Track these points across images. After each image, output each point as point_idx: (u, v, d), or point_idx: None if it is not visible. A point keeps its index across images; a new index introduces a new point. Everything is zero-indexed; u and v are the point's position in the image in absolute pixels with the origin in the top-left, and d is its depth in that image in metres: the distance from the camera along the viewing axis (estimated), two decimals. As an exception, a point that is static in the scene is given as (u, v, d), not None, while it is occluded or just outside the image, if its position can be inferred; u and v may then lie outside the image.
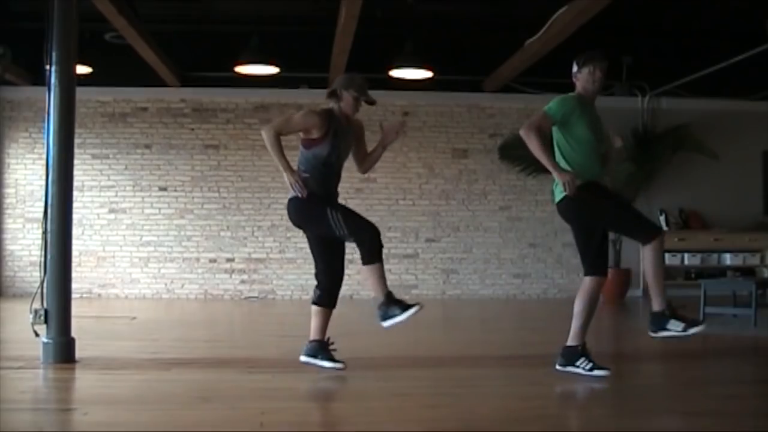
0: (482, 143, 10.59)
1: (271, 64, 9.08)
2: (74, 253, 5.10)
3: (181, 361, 5.00)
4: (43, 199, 4.89)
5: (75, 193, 5.18)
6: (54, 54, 4.87)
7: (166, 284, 10.19)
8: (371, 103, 4.68)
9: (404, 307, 4.37)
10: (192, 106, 10.34)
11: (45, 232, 4.87)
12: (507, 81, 10.08)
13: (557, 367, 4.44)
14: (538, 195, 10.43)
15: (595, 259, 4.47)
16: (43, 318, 4.78)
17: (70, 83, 4.95)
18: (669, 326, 4.38)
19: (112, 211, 10.20)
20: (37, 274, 5.06)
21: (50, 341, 4.75)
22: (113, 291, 10.12)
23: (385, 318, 4.40)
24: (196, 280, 10.23)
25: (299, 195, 4.43)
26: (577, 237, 4.55)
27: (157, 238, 10.22)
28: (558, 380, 4.34)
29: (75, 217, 5.25)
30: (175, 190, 10.27)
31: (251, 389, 4.19)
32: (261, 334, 6.91)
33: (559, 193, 4.43)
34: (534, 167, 10.11)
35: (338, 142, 4.54)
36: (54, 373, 4.56)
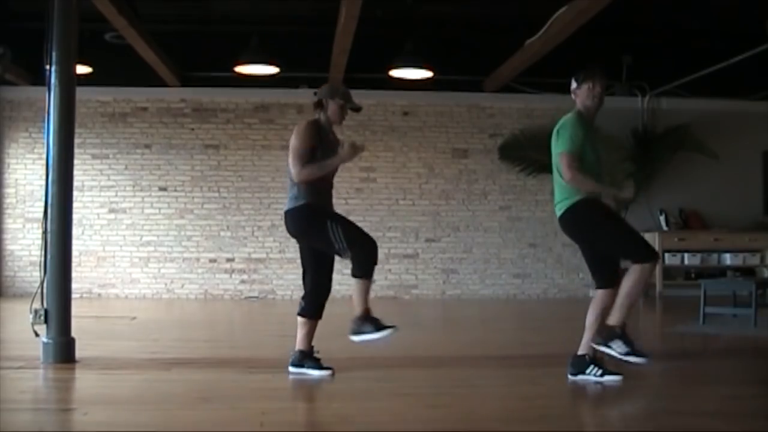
0: (482, 143, 10.59)
1: (271, 64, 9.07)
2: (74, 253, 5.10)
3: (181, 361, 5.00)
4: (43, 199, 4.89)
5: (75, 193, 5.18)
6: (54, 54, 4.87)
7: (166, 284, 10.20)
8: (357, 109, 4.65)
9: (379, 326, 4.40)
10: (192, 106, 10.35)
11: (45, 232, 4.87)
12: (507, 81, 10.08)
13: (569, 376, 4.38)
14: (538, 195, 10.43)
15: (605, 273, 4.43)
16: (43, 318, 4.78)
17: (70, 83, 4.95)
18: (613, 345, 4.31)
19: (112, 211, 10.20)
20: (37, 274, 5.06)
21: (50, 341, 4.75)
22: (113, 291, 10.12)
23: (357, 333, 4.42)
24: (196, 280, 10.23)
25: (360, 149, 4.47)
26: (583, 251, 4.53)
27: (157, 238, 10.22)
28: (558, 380, 4.34)
29: (75, 217, 5.25)
30: (175, 190, 10.27)
31: (251, 389, 4.19)
32: (261, 334, 6.91)
33: (559, 209, 4.41)
34: (534, 167, 10.13)
35: (329, 152, 4.51)
36: (54, 373, 4.55)
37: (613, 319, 4.33)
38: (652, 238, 10.43)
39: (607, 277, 4.43)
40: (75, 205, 5.23)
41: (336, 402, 3.84)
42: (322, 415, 3.61)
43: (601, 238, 4.38)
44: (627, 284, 4.32)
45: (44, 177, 4.90)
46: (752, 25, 8.40)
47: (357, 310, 4.43)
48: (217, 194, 10.31)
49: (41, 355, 4.72)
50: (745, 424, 3.43)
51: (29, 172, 10.08)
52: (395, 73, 9.20)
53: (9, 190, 10.13)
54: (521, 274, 10.55)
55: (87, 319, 6.83)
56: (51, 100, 4.88)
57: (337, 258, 4.57)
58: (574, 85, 4.47)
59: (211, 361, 5.06)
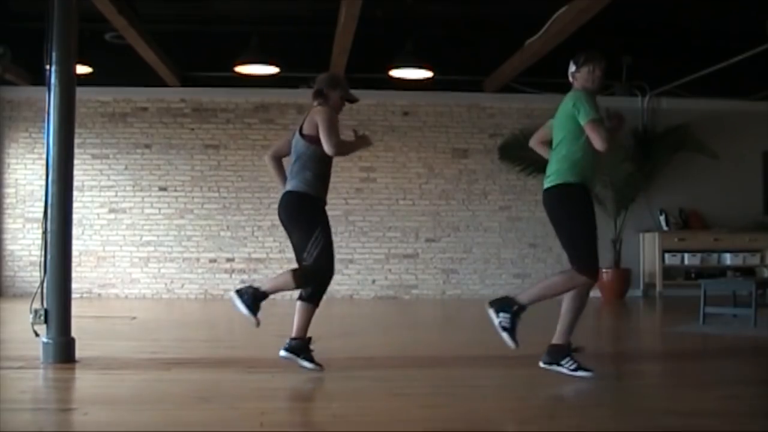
0: (482, 143, 10.59)
1: (271, 64, 9.08)
2: (74, 253, 5.10)
3: (181, 361, 5.00)
4: (43, 199, 4.88)
5: (75, 193, 5.18)
6: (54, 54, 4.87)
7: (166, 284, 10.20)
8: (354, 101, 4.67)
9: (310, 360, 4.47)
10: (192, 106, 10.35)
11: (45, 232, 4.87)
12: (507, 81, 10.08)
13: (541, 364, 4.41)
14: (538, 195, 10.26)
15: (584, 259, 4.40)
16: (43, 318, 4.78)
17: (70, 83, 4.95)
18: (562, 362, 4.33)
19: (112, 211, 10.20)
20: (37, 274, 5.07)
21: (50, 341, 4.75)
22: (113, 291, 10.13)
23: (291, 351, 4.46)
24: (196, 280, 10.23)
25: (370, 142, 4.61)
26: (555, 228, 4.50)
27: (157, 238, 10.22)
28: (558, 380, 4.34)
29: (75, 217, 5.25)
30: (175, 190, 10.27)
31: (251, 389, 4.18)
32: (261, 334, 6.89)
33: (552, 181, 4.39)
34: (534, 167, 10.12)
35: None
36: (54, 373, 4.55)
37: (558, 339, 4.36)
38: (652, 238, 10.45)
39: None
40: (75, 205, 5.23)
41: (335, 402, 3.84)
42: (321, 415, 3.61)
43: (568, 228, 4.36)
44: (570, 301, 4.38)
45: (44, 177, 4.90)
46: (752, 25, 8.40)
47: (298, 335, 4.48)
48: (217, 194, 10.32)
49: (41, 355, 4.72)
50: (744, 424, 3.43)
51: (29, 172, 10.09)
52: (395, 73, 9.20)
53: (9, 190, 10.13)
54: (521, 274, 10.55)
55: (87, 319, 6.83)
56: (51, 100, 4.88)
57: (337, 258, 4.58)
58: (573, 68, 4.46)
59: (211, 361, 5.06)
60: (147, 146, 10.28)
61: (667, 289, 10.24)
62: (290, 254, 10.34)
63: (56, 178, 4.86)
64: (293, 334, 4.51)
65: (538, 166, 10.13)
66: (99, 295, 10.06)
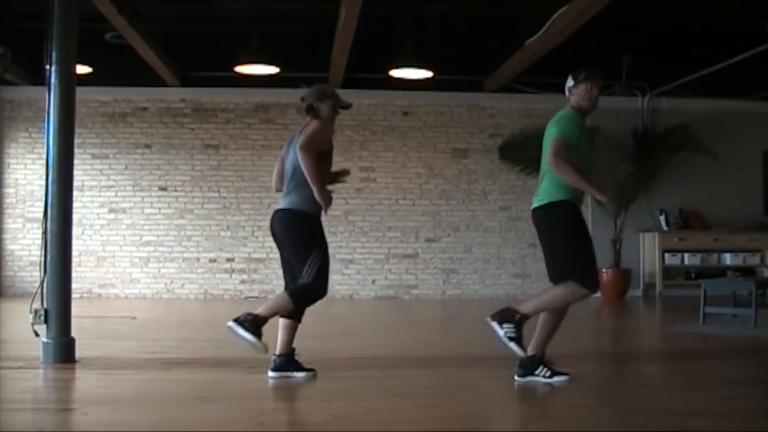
0: (482, 143, 10.59)
1: (271, 64, 9.07)
2: (74, 253, 5.10)
3: (181, 361, 5.00)
4: (43, 199, 4.89)
5: (75, 193, 5.18)
6: (54, 54, 4.87)
7: (166, 284, 10.20)
8: (348, 107, 4.62)
9: (300, 369, 4.41)
10: (192, 106, 10.35)
11: (45, 232, 4.87)
12: (507, 81, 10.08)
13: (515, 377, 4.32)
14: (538, 195, 10.40)
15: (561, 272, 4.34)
16: (43, 318, 4.78)
17: (70, 83, 4.95)
18: (537, 372, 4.27)
19: (112, 211, 10.20)
20: (37, 274, 5.07)
21: (50, 341, 4.75)
22: (113, 291, 10.12)
23: (278, 369, 4.40)
24: (196, 280, 10.23)
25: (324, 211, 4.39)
26: (543, 246, 4.43)
27: (157, 238, 10.22)
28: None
29: (75, 217, 5.25)
30: (175, 190, 10.27)
31: (251, 389, 4.19)
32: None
33: (540, 201, 4.34)
34: (534, 167, 10.10)
35: (332, 156, 4.53)
36: (54, 373, 4.55)
37: (533, 348, 4.31)
38: (652, 238, 10.45)
39: (562, 276, 4.32)
40: (75, 205, 5.23)
41: (336, 402, 3.84)
42: (321, 415, 3.61)
43: (564, 247, 4.29)
44: (552, 315, 4.32)
45: (44, 177, 4.90)
46: (752, 25, 8.39)
47: (282, 350, 4.42)
48: (217, 194, 10.31)
49: (41, 355, 4.72)
50: (744, 424, 3.43)
51: (29, 172, 10.08)
52: (395, 73, 9.20)
53: (9, 190, 10.13)
54: (521, 274, 10.54)
55: (87, 319, 6.83)
56: (51, 100, 4.88)
57: (332, 259, 4.54)
58: (571, 82, 4.41)
59: (211, 361, 5.06)
60: (147, 146, 10.28)
61: (667, 289, 10.24)
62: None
63: (56, 178, 4.86)
64: (277, 352, 4.44)
65: (538, 166, 10.12)
66: (99, 295, 10.06)
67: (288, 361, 4.44)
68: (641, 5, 8.29)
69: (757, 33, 8.32)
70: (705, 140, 10.06)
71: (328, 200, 4.34)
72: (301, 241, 4.41)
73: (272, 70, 9.19)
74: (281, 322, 4.48)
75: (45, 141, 4.95)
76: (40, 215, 5.07)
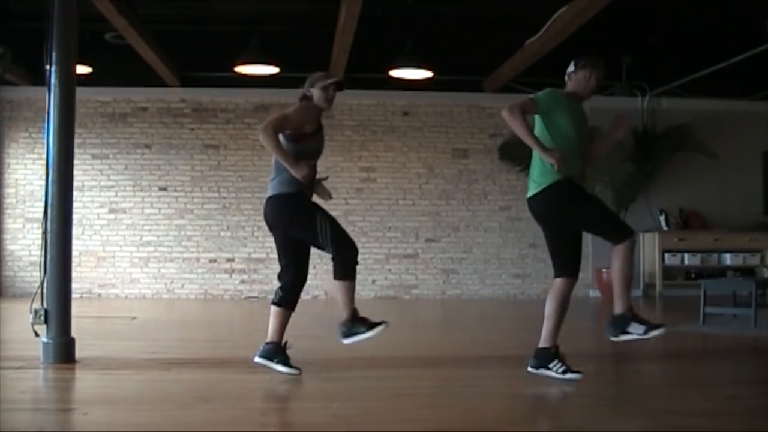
0: (482, 143, 10.59)
1: (271, 64, 9.08)
2: (74, 253, 5.10)
3: (181, 361, 5.00)
4: (43, 199, 4.88)
5: (75, 193, 5.18)
6: (54, 54, 4.87)
7: (166, 284, 10.20)
8: (339, 83, 4.55)
9: (370, 325, 4.41)
10: (192, 106, 10.35)
11: (45, 232, 4.86)
12: (507, 81, 10.08)
13: (529, 369, 4.33)
14: (538, 195, 10.40)
15: (566, 261, 4.36)
16: (43, 318, 4.77)
17: (70, 83, 4.94)
18: (630, 329, 4.29)
19: (112, 211, 10.20)
20: (37, 274, 5.06)
21: (50, 341, 4.75)
22: (113, 291, 10.13)
23: (348, 335, 4.40)
24: (196, 280, 10.23)
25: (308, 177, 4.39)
26: (547, 236, 4.42)
27: (157, 238, 10.22)
28: (557, 380, 4.34)
29: (75, 217, 5.25)
30: (175, 190, 10.27)
31: (251, 389, 4.19)
32: (261, 334, 6.87)
33: (533, 188, 4.32)
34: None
35: (323, 137, 4.52)
36: (54, 373, 4.55)
37: (618, 307, 4.33)
38: (652, 238, 10.45)
39: (567, 265, 4.36)
40: (75, 205, 5.23)
41: (335, 402, 3.84)
42: (321, 415, 3.61)
43: (574, 217, 4.30)
44: (616, 270, 4.33)
45: (44, 177, 4.90)
46: (752, 25, 8.40)
47: (345, 312, 4.41)
48: (217, 194, 10.32)
49: (41, 355, 4.72)
50: (744, 424, 3.43)
51: (29, 172, 10.09)
52: (395, 73, 9.20)
53: (9, 190, 10.13)
54: (521, 274, 10.55)
55: (87, 319, 6.83)
56: (51, 100, 4.88)
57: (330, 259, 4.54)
58: (571, 68, 4.41)
59: (211, 361, 5.06)
60: (147, 146, 10.28)
61: (667, 289, 10.24)
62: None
63: (56, 178, 4.86)
64: (267, 339, 4.45)
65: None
66: (99, 295, 10.06)
67: (275, 350, 4.43)
68: (641, 5, 8.29)
69: (757, 33, 8.33)
70: (705, 140, 10.06)
71: (304, 170, 4.28)
72: (297, 220, 4.41)
73: (272, 70, 9.19)
74: (272, 310, 4.49)
75: (45, 141, 4.95)
76: (40, 215, 5.07)
